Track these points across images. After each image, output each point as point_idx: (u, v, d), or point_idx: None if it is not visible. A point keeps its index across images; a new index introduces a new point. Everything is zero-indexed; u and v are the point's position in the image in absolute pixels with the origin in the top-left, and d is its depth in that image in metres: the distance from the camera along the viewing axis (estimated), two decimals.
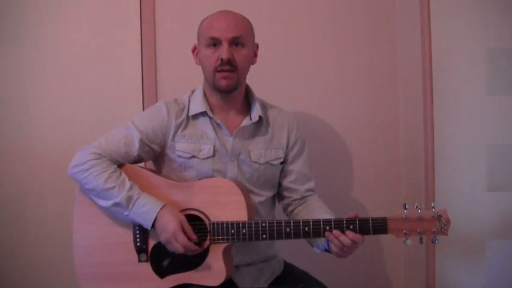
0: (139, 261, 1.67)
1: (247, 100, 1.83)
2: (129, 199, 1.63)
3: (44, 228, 2.13)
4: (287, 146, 1.82)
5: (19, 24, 2.08)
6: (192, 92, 1.81)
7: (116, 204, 1.64)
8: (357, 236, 1.56)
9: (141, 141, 1.72)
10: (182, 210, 1.66)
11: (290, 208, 1.85)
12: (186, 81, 1.84)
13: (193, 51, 1.78)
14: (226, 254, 1.65)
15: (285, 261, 1.90)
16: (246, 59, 1.72)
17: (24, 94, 2.11)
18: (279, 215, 1.88)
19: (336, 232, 1.57)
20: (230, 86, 1.71)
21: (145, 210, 1.63)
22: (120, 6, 2.15)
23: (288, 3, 2.27)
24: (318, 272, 1.84)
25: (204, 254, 1.64)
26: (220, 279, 1.62)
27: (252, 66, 1.80)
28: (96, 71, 2.14)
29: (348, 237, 1.56)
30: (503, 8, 1.74)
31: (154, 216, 1.62)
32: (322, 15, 2.28)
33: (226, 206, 1.64)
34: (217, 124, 1.74)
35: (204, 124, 1.75)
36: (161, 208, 1.63)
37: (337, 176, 2.32)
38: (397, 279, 2.40)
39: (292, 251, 2.10)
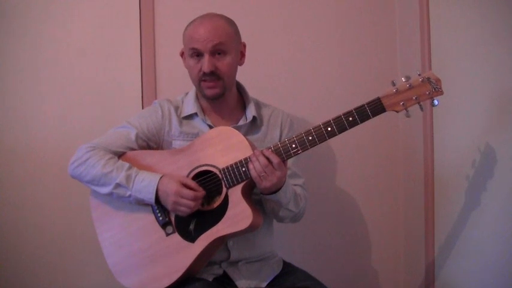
0: (167, 235, 1.66)
1: (242, 99, 1.87)
2: (128, 178, 1.66)
3: (42, 230, 2.10)
4: None
5: (18, 24, 2.08)
6: (186, 94, 1.87)
7: (117, 186, 1.66)
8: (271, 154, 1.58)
9: (137, 136, 1.76)
10: (191, 171, 1.67)
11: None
12: (185, 82, 1.83)
13: (181, 55, 1.81)
14: (245, 194, 1.64)
15: (283, 261, 1.87)
16: (229, 66, 1.74)
17: (23, 95, 2.09)
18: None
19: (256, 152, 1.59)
20: (216, 95, 1.76)
21: (146, 183, 1.65)
22: (119, 7, 2.14)
23: (286, 3, 2.25)
24: (316, 271, 1.82)
25: (225, 202, 1.63)
26: (248, 218, 1.59)
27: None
28: (96, 72, 2.13)
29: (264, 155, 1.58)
30: (503, 6, 1.73)
31: (155, 186, 1.63)
32: (321, 15, 2.27)
33: (229, 150, 1.65)
34: (209, 126, 1.79)
35: (199, 122, 1.80)
36: (160, 178, 1.65)
37: (335, 174, 2.29)
38: (396, 277, 2.33)
39: (291, 251, 2.10)
